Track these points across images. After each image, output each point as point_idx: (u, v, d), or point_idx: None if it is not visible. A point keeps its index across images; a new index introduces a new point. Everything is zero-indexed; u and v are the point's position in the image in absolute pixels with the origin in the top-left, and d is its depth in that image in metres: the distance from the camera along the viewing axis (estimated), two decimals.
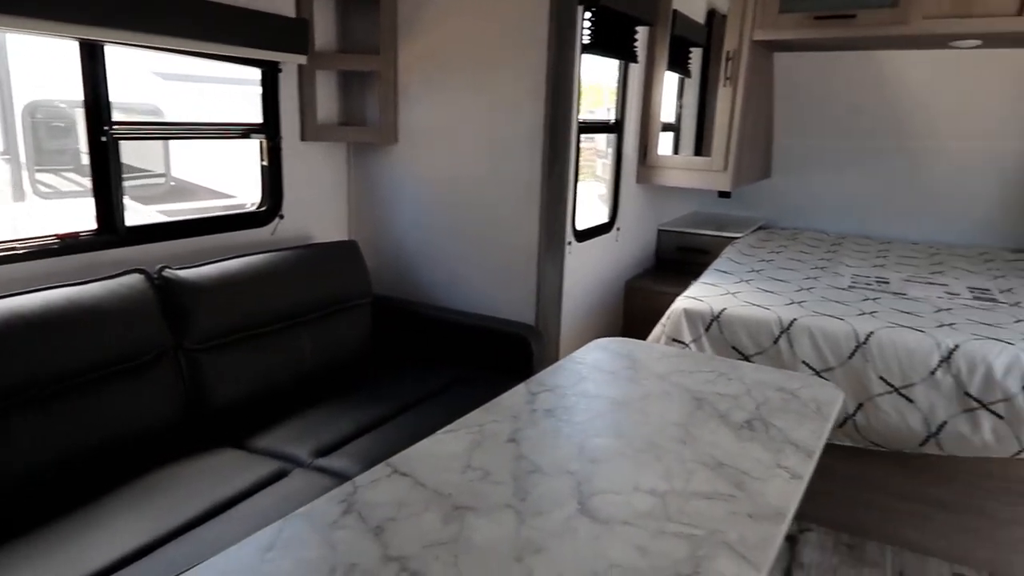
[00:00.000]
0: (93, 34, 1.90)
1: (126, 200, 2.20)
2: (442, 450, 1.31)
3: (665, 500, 1.15)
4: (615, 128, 3.51)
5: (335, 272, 2.55)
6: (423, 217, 2.86)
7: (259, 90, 2.58)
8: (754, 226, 4.24)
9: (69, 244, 2.02)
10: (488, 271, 2.75)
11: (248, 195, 2.74)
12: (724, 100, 3.53)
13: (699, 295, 2.66)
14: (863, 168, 4.14)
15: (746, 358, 2.46)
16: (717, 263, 3.30)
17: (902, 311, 2.53)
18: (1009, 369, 2.11)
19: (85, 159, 2.10)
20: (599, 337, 2.01)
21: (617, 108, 3.51)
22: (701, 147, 4.02)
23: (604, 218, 3.55)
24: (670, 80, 3.77)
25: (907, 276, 3.11)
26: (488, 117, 2.64)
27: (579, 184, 3.17)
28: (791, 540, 2.42)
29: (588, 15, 2.86)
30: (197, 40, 2.17)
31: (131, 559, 1.45)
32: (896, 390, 2.24)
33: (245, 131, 2.56)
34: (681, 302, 2.62)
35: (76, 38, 1.93)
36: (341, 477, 1.73)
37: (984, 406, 2.14)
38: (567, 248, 2.94)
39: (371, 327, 2.63)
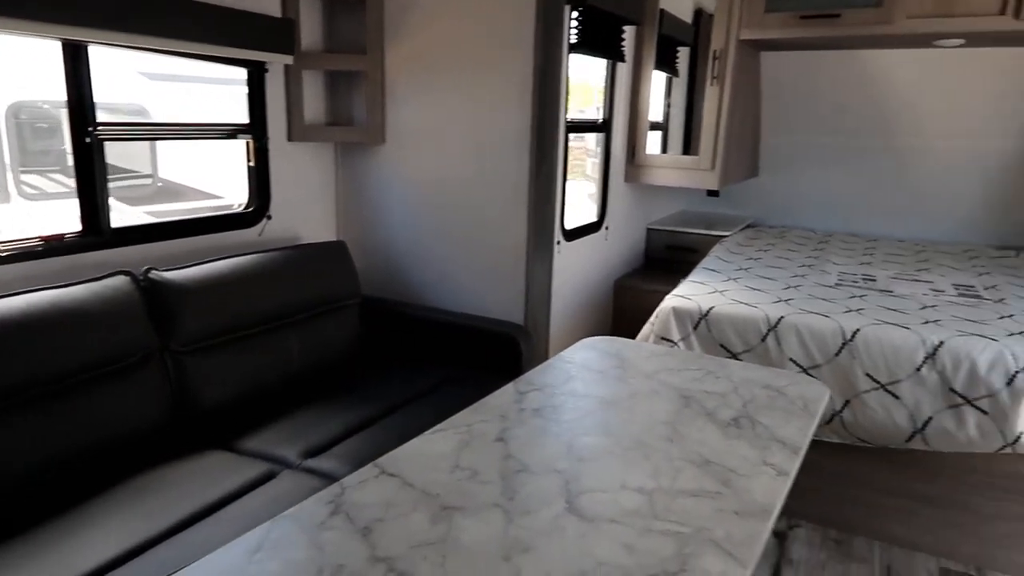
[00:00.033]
0: (76, 34, 1.89)
1: (113, 201, 2.19)
2: (430, 450, 1.31)
3: (652, 498, 1.16)
4: (603, 127, 3.52)
5: (323, 273, 2.54)
6: (411, 217, 2.86)
7: (246, 90, 2.57)
8: (742, 225, 4.26)
9: (53, 246, 2.01)
10: (477, 271, 2.75)
11: (236, 196, 2.72)
12: (711, 99, 3.55)
13: (687, 294, 2.67)
14: (850, 167, 4.17)
15: (734, 356, 2.47)
16: (705, 261, 3.31)
17: (888, 308, 2.55)
18: (993, 365, 2.13)
19: (71, 160, 2.08)
20: (589, 336, 2.02)
21: (605, 107, 3.52)
22: (689, 146, 4.04)
23: (593, 217, 3.56)
24: (658, 79, 3.78)
25: (893, 274, 3.13)
26: (475, 117, 2.64)
27: (569, 183, 3.17)
28: (780, 536, 2.43)
29: (575, 14, 2.86)
30: (182, 40, 2.16)
31: (119, 562, 1.45)
32: (882, 386, 2.26)
33: (232, 132, 2.55)
34: (669, 301, 2.63)
35: (58, 38, 1.91)
36: (330, 478, 1.72)
37: (969, 402, 2.16)
38: (556, 247, 2.94)
39: (360, 328, 2.63)
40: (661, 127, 4.10)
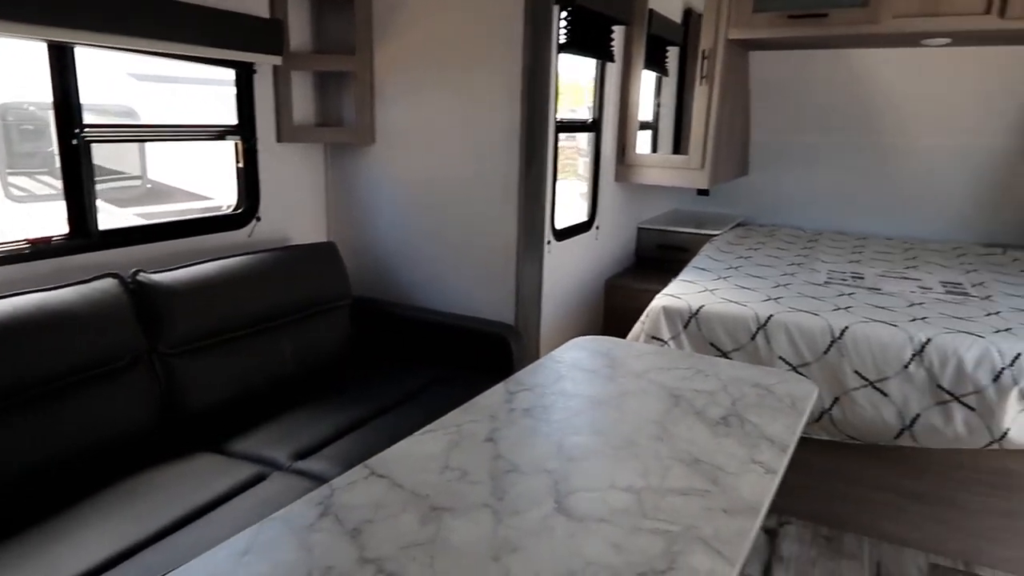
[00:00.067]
0: (61, 36, 1.88)
1: (102, 203, 2.18)
2: (420, 451, 1.31)
3: (641, 497, 1.16)
4: (593, 127, 3.53)
5: (313, 274, 2.54)
6: (401, 217, 2.85)
7: (235, 91, 2.56)
8: (732, 223, 4.28)
9: (40, 249, 2.00)
10: (467, 271, 2.75)
11: (226, 197, 2.72)
12: (700, 99, 3.56)
13: (677, 293, 2.68)
14: (839, 165, 4.20)
15: (724, 355, 2.48)
16: (696, 260, 3.32)
17: (876, 306, 2.56)
18: (979, 362, 2.15)
19: (58, 162, 2.07)
20: (580, 335, 2.02)
21: (594, 107, 3.52)
22: (679, 145, 4.05)
23: (584, 217, 3.56)
24: (647, 79, 3.79)
25: (882, 271, 3.15)
26: (465, 117, 2.64)
27: (562, 183, 3.18)
28: (771, 533, 2.45)
29: (564, 14, 2.86)
30: (169, 42, 2.15)
31: (108, 566, 1.44)
32: (871, 384, 2.28)
33: (220, 133, 2.54)
34: (660, 300, 2.63)
35: (44, 40, 1.90)
36: (320, 480, 1.72)
37: (956, 398, 2.18)
38: (546, 247, 2.94)
39: (350, 329, 2.62)
40: (651, 126, 4.11)
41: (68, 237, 2.08)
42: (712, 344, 2.51)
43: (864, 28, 3.21)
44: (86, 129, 2.07)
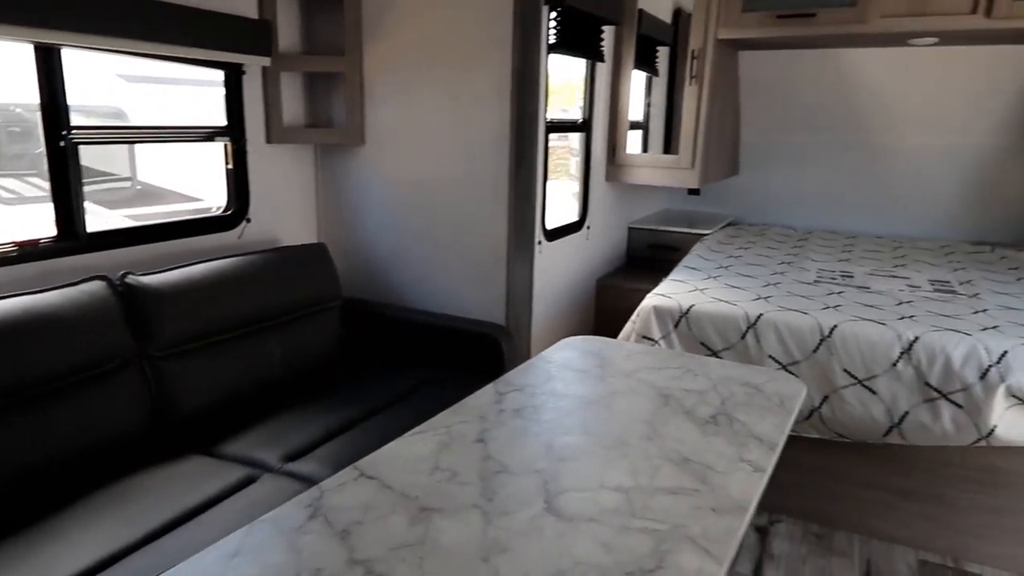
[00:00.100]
0: (48, 38, 1.87)
1: (91, 205, 2.17)
2: (409, 452, 1.31)
3: (630, 496, 1.16)
4: (583, 127, 3.53)
5: (304, 275, 2.53)
6: (392, 218, 2.85)
7: (224, 92, 2.55)
8: (723, 223, 4.29)
9: (28, 252, 1.99)
10: (458, 271, 2.75)
11: (216, 198, 2.71)
12: (690, 98, 3.57)
13: (668, 292, 2.69)
14: (829, 164, 4.22)
15: (714, 354, 2.49)
16: (686, 260, 3.33)
17: (865, 304, 2.58)
18: (967, 359, 2.16)
19: (47, 164, 2.06)
20: (572, 335, 2.03)
21: (585, 107, 3.53)
22: (670, 145, 4.06)
23: (575, 217, 3.57)
24: (638, 79, 3.80)
25: (871, 270, 3.17)
26: (455, 118, 2.64)
27: (552, 183, 3.18)
28: (762, 531, 2.46)
29: (553, 15, 2.87)
30: (156, 43, 2.14)
31: (98, 569, 1.44)
32: (860, 382, 2.29)
33: (209, 134, 2.53)
34: (650, 299, 2.64)
35: (30, 42, 1.89)
36: (310, 482, 1.72)
37: (944, 396, 2.19)
38: (537, 247, 2.95)
39: (341, 330, 2.62)
40: (641, 126, 4.12)
41: (56, 239, 2.07)
42: (702, 343, 2.52)
43: (852, 28, 3.23)
44: (73, 131, 2.06)
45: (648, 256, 4.11)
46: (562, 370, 1.75)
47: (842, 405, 2.32)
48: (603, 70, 3.56)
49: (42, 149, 2.04)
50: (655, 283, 2.90)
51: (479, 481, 1.21)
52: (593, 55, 3.36)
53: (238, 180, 2.62)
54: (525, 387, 1.63)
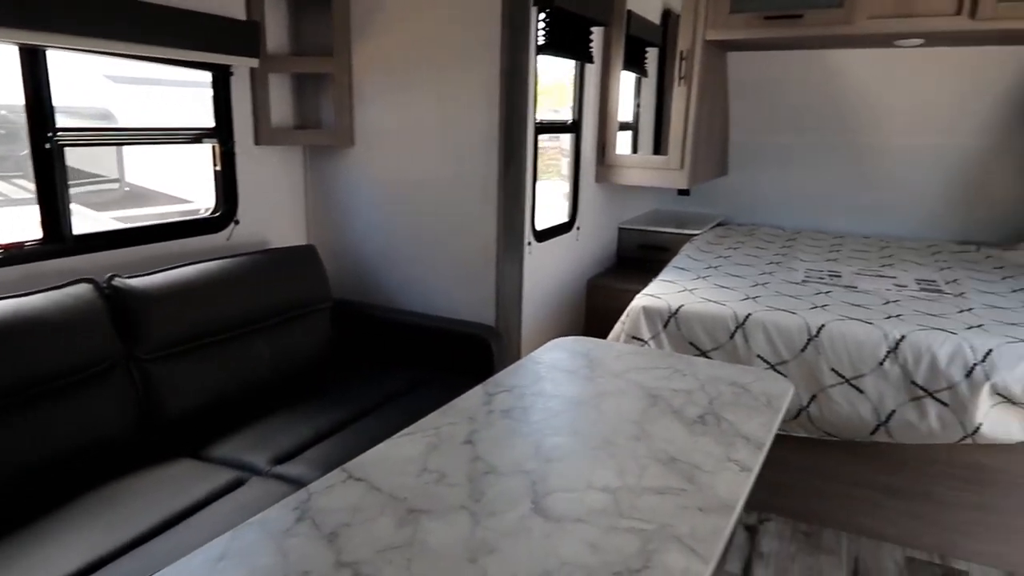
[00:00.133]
0: (33, 39, 1.85)
1: (78, 207, 2.15)
2: (398, 454, 1.31)
3: (617, 496, 1.17)
4: (573, 128, 3.54)
5: (293, 277, 2.52)
6: (381, 219, 2.85)
7: (212, 93, 2.54)
8: (712, 223, 4.31)
9: (12, 254, 1.97)
10: (447, 273, 2.75)
11: (205, 200, 2.69)
12: (679, 99, 3.59)
13: (657, 292, 2.70)
14: (817, 165, 4.25)
15: (703, 354, 2.50)
16: (676, 260, 3.34)
17: (852, 304, 2.60)
18: (952, 358, 2.18)
19: (32, 166, 2.04)
20: (562, 336, 2.03)
21: (574, 108, 3.54)
22: (659, 146, 4.07)
23: (564, 218, 3.57)
24: (627, 80, 3.81)
25: (858, 269, 3.19)
26: (443, 118, 2.64)
27: (545, 183, 3.18)
28: (751, 530, 2.47)
29: (542, 16, 2.87)
30: (143, 44, 2.13)
31: (84, 573, 1.43)
32: (847, 381, 2.31)
33: (197, 136, 2.52)
34: (640, 300, 2.65)
35: (15, 43, 1.88)
36: (299, 484, 1.71)
37: (930, 394, 2.21)
38: (527, 248, 2.95)
39: (330, 331, 2.62)
40: (631, 127, 4.13)
41: (41, 242, 2.06)
42: (691, 343, 2.53)
43: (839, 29, 3.25)
44: (59, 133, 2.04)
45: (638, 256, 4.12)
46: (551, 371, 1.75)
47: (830, 404, 2.33)
48: (592, 71, 3.57)
49: (27, 151, 2.02)
50: (645, 283, 2.91)
51: (467, 482, 1.21)
52: (582, 56, 3.37)
53: (226, 182, 2.61)
54: (514, 388, 1.63)
